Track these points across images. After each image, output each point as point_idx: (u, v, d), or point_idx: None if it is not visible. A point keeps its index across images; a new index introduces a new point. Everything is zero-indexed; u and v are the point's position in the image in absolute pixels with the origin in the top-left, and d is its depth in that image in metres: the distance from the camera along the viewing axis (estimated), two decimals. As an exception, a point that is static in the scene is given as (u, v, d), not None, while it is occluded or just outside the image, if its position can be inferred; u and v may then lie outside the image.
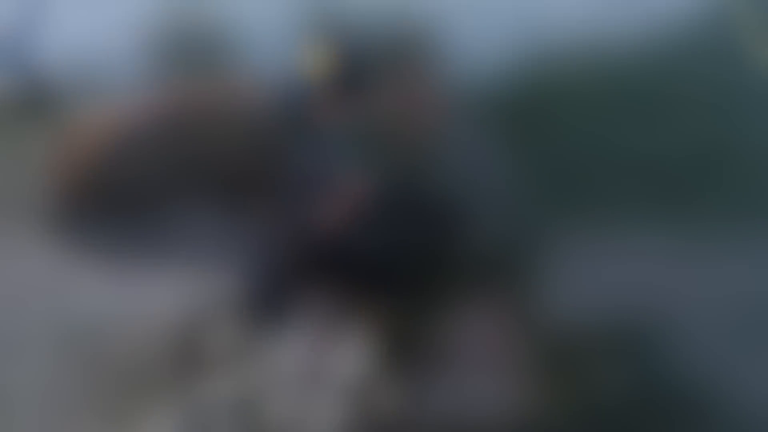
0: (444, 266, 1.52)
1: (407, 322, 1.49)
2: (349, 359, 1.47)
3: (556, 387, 1.46)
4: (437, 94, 1.56)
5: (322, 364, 1.49)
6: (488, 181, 1.57)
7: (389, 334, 1.46)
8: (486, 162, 1.59)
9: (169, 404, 1.37)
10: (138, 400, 1.37)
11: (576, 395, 1.45)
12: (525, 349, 1.46)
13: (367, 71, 1.54)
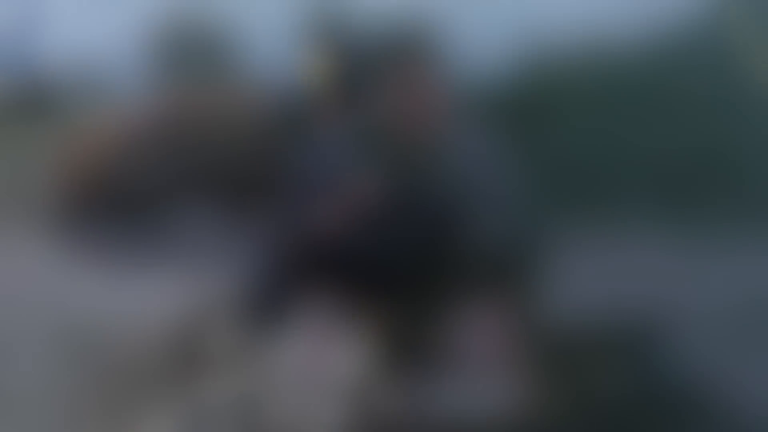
0: (447, 266, 1.53)
1: (410, 321, 1.50)
2: (350, 359, 1.47)
3: (559, 385, 1.45)
4: (440, 93, 1.57)
5: (323, 364, 1.50)
6: (491, 180, 1.58)
7: (392, 333, 1.47)
8: (489, 161, 1.59)
9: (169, 403, 1.37)
10: (138, 399, 1.37)
11: (579, 393, 1.45)
12: (528, 348, 1.46)
13: (371, 71, 1.55)
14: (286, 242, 1.88)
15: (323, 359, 1.80)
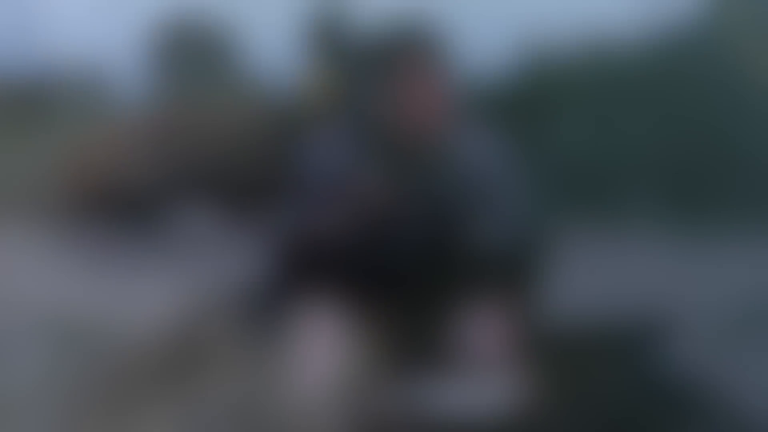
0: (450, 265, 1.52)
1: (414, 320, 1.49)
2: (352, 358, 1.47)
3: (560, 383, 1.45)
4: (445, 91, 1.57)
5: (325, 362, 1.49)
6: (494, 179, 1.58)
7: (395, 332, 1.46)
8: (492, 159, 1.59)
9: (169, 402, 1.36)
10: (138, 398, 1.37)
11: (580, 391, 1.44)
12: (530, 346, 1.46)
13: (375, 70, 1.55)
14: (291, 242, 1.87)
15: (325, 358, 1.79)
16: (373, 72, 1.84)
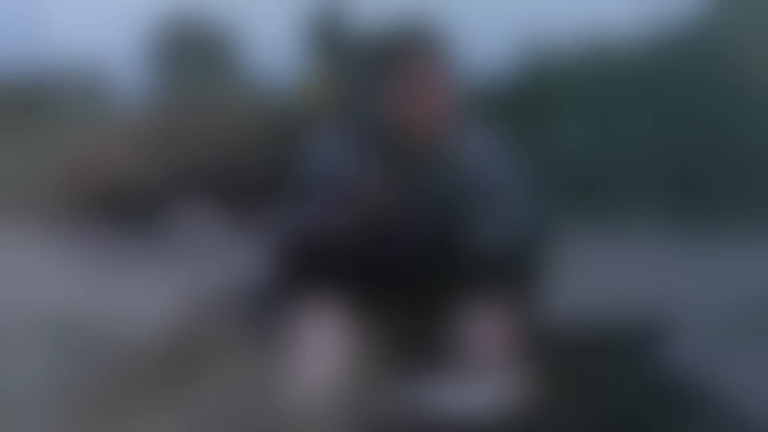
0: (452, 264, 1.52)
1: (416, 320, 1.49)
2: (354, 357, 1.47)
3: (561, 382, 1.45)
4: (447, 90, 1.57)
5: (327, 362, 1.48)
6: (497, 179, 1.58)
7: (397, 331, 1.46)
8: (495, 158, 1.59)
9: (169, 402, 1.36)
10: (138, 398, 1.36)
11: (581, 390, 1.44)
12: (532, 346, 1.46)
13: (378, 69, 1.55)
14: (292, 242, 1.87)
15: (326, 358, 1.79)
16: (375, 71, 1.84)
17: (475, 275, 1.78)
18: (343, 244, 1.80)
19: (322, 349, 1.75)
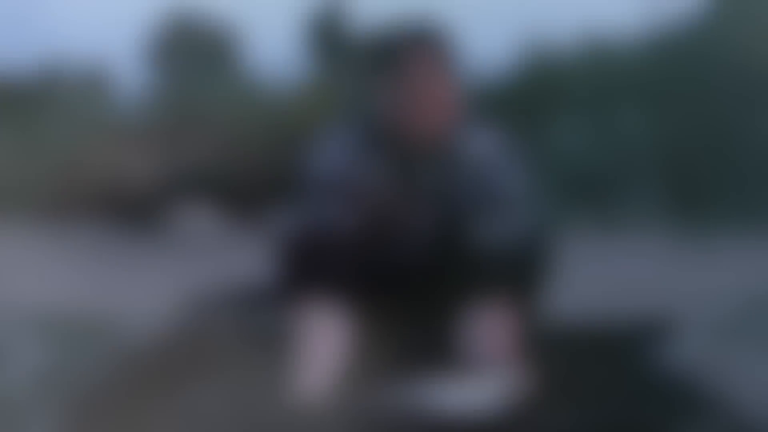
0: (457, 264, 1.52)
1: (419, 319, 1.49)
2: (355, 357, 1.46)
3: (563, 381, 1.44)
4: (454, 87, 1.57)
5: (329, 362, 1.48)
6: (500, 178, 1.58)
7: (400, 332, 1.46)
8: (498, 157, 1.59)
9: (169, 401, 1.36)
10: (138, 397, 1.36)
11: (582, 391, 1.44)
12: (534, 345, 1.45)
13: (384, 65, 1.55)
14: (295, 242, 1.87)
15: (329, 357, 1.79)
16: (379, 71, 1.84)
17: (479, 275, 1.78)
18: (347, 244, 1.80)
19: (325, 349, 1.75)
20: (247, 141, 7.13)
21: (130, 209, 6.97)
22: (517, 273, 1.80)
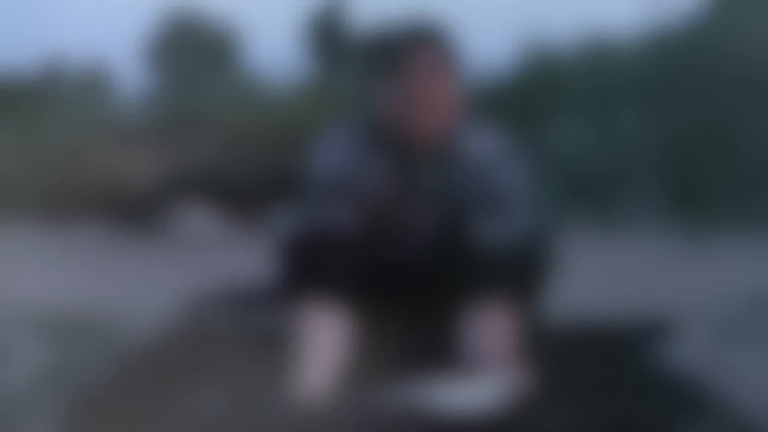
0: (458, 264, 1.53)
1: (421, 319, 1.49)
2: (356, 357, 1.46)
3: (564, 382, 1.44)
4: (456, 86, 1.58)
5: (330, 361, 1.48)
6: (503, 178, 1.58)
7: (402, 331, 1.46)
8: (501, 158, 1.59)
9: (169, 401, 1.36)
10: (138, 396, 1.36)
11: (583, 390, 1.44)
12: (535, 345, 1.45)
13: (386, 65, 1.55)
14: (297, 242, 1.87)
15: (330, 357, 1.79)
16: (381, 71, 1.84)
17: (480, 275, 1.78)
18: (348, 244, 1.80)
19: (325, 349, 1.75)
20: (247, 141, 7.13)
21: (130, 209, 6.97)
22: (517, 273, 1.80)
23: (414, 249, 1.86)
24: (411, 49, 1.81)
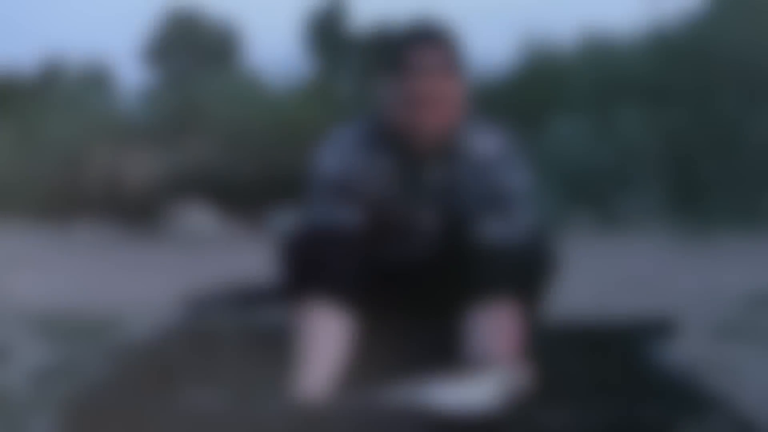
0: (460, 264, 1.52)
1: (423, 318, 1.49)
2: (357, 356, 1.45)
3: (564, 382, 1.44)
4: (458, 86, 1.57)
5: (331, 361, 1.47)
6: (505, 178, 1.57)
7: (403, 331, 1.46)
8: (503, 158, 1.59)
9: (169, 400, 1.36)
10: (139, 396, 1.36)
11: (583, 390, 1.43)
12: (536, 345, 1.45)
13: (388, 64, 1.54)
14: (299, 242, 1.87)
15: (331, 356, 1.79)
16: (383, 70, 1.84)
17: (482, 274, 1.78)
18: (352, 243, 1.80)
19: (327, 348, 1.75)
20: (247, 140, 7.13)
21: (130, 208, 6.97)
22: (521, 272, 1.80)
23: (417, 248, 1.86)
24: (413, 48, 1.81)
